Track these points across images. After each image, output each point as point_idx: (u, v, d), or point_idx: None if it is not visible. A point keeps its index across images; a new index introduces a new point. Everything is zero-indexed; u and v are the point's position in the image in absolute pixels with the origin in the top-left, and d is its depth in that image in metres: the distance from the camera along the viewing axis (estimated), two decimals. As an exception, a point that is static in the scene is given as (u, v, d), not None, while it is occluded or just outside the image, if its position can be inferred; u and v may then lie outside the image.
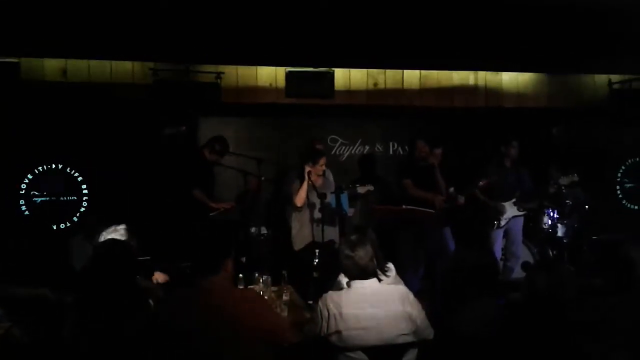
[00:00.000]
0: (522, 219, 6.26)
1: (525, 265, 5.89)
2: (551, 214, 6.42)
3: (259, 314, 2.54)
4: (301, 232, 5.25)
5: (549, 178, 6.41)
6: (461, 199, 5.90)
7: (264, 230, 6.22)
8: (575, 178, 6.21)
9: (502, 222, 6.14)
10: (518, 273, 6.02)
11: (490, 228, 6.14)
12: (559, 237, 6.41)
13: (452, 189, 5.91)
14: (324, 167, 5.19)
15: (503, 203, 6.18)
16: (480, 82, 7.29)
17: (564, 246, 6.44)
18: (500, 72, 7.30)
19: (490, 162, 6.32)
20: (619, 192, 7.82)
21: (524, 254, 6.41)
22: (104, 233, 3.34)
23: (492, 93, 7.31)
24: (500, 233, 6.20)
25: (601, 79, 7.53)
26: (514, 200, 6.18)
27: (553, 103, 7.41)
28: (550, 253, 6.42)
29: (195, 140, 6.47)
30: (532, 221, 6.64)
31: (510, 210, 6.18)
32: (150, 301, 3.05)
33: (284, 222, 5.86)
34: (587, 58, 6.51)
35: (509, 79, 7.35)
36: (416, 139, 6.05)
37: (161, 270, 3.94)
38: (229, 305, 2.49)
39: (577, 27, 5.63)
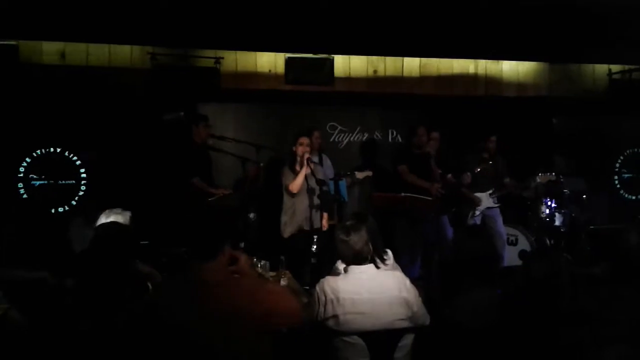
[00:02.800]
0: (497, 210, 6.28)
1: (522, 254, 5.92)
2: (549, 203, 6.44)
3: (257, 298, 2.54)
4: (292, 219, 5.24)
5: (548, 167, 6.42)
6: (467, 178, 5.92)
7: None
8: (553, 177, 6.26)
9: (477, 212, 6.18)
10: (509, 260, 6.05)
11: (464, 218, 6.18)
12: (556, 226, 6.43)
13: (449, 175, 5.93)
14: (301, 148, 5.12)
15: (479, 194, 6.19)
16: (481, 71, 7.28)
17: (562, 235, 6.47)
18: (500, 61, 7.29)
19: (468, 152, 6.32)
20: (617, 182, 7.83)
21: (522, 243, 6.45)
22: (107, 211, 3.36)
23: (492, 82, 7.31)
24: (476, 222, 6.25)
25: (601, 69, 7.53)
26: (489, 192, 6.21)
27: (553, 92, 7.41)
28: (548, 242, 6.45)
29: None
30: (530, 210, 6.66)
31: (486, 201, 6.21)
32: (149, 284, 3.07)
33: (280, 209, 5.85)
34: (587, 48, 6.51)
35: (509, 68, 7.35)
36: (416, 125, 6.04)
37: (159, 255, 3.95)
38: (226, 292, 2.49)
39: (578, 16, 5.62)
